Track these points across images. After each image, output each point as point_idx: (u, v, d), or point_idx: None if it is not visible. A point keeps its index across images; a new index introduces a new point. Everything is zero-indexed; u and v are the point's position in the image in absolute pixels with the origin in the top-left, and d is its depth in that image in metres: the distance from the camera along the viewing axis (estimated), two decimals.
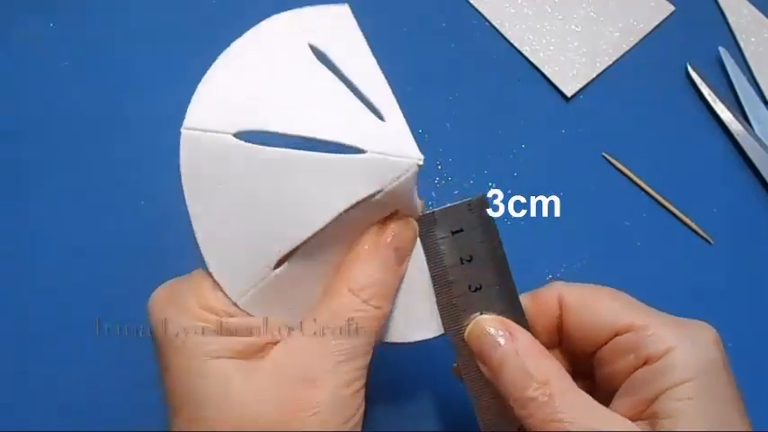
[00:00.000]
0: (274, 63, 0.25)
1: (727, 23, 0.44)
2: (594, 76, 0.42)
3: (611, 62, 0.42)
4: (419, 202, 0.26)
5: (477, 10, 0.44)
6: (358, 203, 0.23)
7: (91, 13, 0.43)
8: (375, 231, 0.25)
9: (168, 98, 0.41)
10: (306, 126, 0.23)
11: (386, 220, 0.25)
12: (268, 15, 0.43)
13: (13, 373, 0.35)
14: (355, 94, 0.25)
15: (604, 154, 0.40)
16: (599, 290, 0.27)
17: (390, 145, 0.23)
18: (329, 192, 0.23)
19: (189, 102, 0.42)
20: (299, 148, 0.23)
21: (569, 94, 0.41)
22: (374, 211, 0.24)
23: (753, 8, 0.44)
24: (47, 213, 0.38)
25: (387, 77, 0.42)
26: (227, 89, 0.25)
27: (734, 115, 0.40)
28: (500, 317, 0.26)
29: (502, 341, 0.24)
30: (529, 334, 0.25)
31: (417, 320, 0.26)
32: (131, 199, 0.39)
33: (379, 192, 0.23)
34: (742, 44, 0.43)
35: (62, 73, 0.41)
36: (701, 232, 0.39)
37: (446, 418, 0.35)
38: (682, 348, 0.23)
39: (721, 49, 0.42)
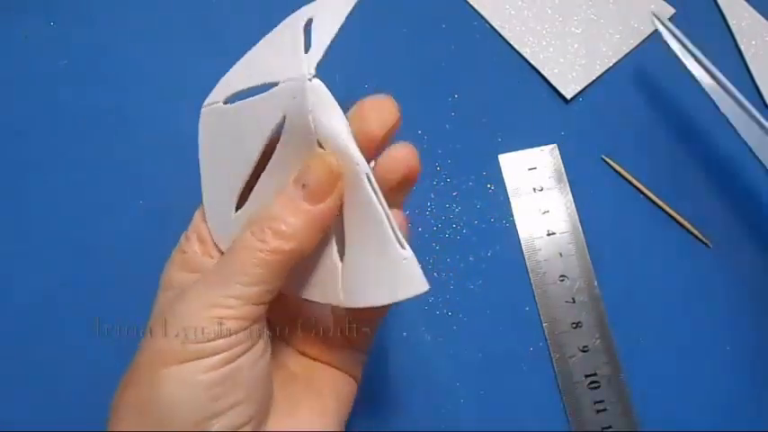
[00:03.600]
0: (267, 39, 0.28)
1: (728, 26, 0.44)
2: (594, 78, 0.42)
3: (610, 65, 0.42)
4: (344, 137, 0.23)
5: (477, 11, 0.44)
6: (273, 134, 0.24)
7: (91, 13, 0.43)
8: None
9: (168, 97, 0.42)
10: (252, 78, 0.26)
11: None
12: (267, 14, 0.43)
13: (13, 373, 0.35)
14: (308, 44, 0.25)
15: (604, 157, 0.40)
16: None
17: (295, 72, 0.24)
18: (256, 130, 0.25)
19: (189, 101, 0.42)
20: None
21: (569, 97, 0.41)
22: (302, 149, 0.24)
23: (753, 11, 0.44)
24: (47, 213, 0.38)
25: (385, 78, 0.42)
26: (233, 70, 0.28)
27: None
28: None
29: None
30: None
31: (374, 281, 0.24)
32: (131, 199, 0.39)
33: (284, 118, 0.24)
34: (742, 47, 0.43)
35: (62, 72, 0.41)
36: (699, 235, 0.39)
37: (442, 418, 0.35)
38: None
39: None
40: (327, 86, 0.24)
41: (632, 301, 0.38)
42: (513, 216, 0.39)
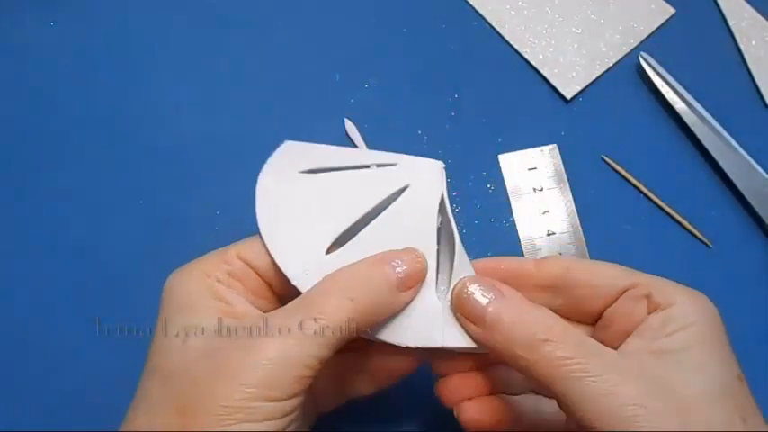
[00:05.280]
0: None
1: (728, 26, 0.44)
2: (594, 78, 0.42)
3: (610, 64, 0.42)
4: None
5: (477, 11, 0.44)
6: (393, 194, 0.28)
7: (91, 12, 0.43)
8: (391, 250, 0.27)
9: (168, 97, 0.42)
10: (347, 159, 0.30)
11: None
12: (267, 14, 0.43)
13: (13, 373, 0.35)
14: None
15: (604, 157, 0.40)
16: (600, 261, 0.28)
17: (417, 158, 0.29)
18: (371, 188, 0.29)
19: (189, 101, 0.42)
20: None
21: (569, 97, 0.41)
22: (413, 210, 0.28)
23: (753, 11, 0.44)
24: (47, 213, 0.38)
25: (385, 78, 0.42)
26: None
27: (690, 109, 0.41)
28: (483, 276, 0.27)
29: (492, 296, 0.25)
30: (514, 290, 0.26)
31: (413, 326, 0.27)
32: (131, 199, 0.39)
33: (407, 186, 0.28)
34: (742, 47, 0.43)
35: (62, 72, 0.41)
36: (699, 235, 0.39)
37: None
38: (689, 301, 0.25)
39: (642, 55, 0.42)
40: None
41: None
42: (513, 216, 0.39)
